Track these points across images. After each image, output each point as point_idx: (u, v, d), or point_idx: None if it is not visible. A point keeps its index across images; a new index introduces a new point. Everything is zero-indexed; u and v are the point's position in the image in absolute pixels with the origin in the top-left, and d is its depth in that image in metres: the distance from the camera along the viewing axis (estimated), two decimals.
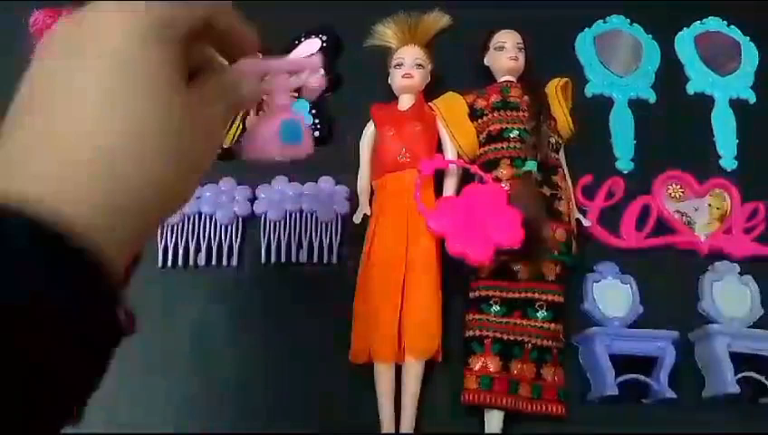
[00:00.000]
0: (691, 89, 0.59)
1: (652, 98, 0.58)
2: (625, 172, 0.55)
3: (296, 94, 0.53)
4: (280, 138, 0.33)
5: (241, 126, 0.52)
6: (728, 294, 0.50)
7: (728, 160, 0.56)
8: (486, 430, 0.45)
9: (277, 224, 0.50)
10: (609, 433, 0.46)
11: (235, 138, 0.52)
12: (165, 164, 0.23)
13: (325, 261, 0.50)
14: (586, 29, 0.60)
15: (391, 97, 0.53)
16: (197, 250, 0.50)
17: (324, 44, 0.54)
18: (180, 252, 0.50)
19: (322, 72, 0.34)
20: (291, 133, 0.33)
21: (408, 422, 0.45)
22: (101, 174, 0.22)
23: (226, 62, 0.30)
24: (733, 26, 0.62)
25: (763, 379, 0.47)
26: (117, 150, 0.22)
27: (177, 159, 0.24)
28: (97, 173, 0.22)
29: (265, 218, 0.50)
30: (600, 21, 0.60)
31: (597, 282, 0.50)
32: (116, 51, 0.23)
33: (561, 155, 0.52)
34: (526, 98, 0.51)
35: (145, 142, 0.23)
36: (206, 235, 0.50)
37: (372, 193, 0.51)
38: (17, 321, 0.18)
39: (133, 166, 0.22)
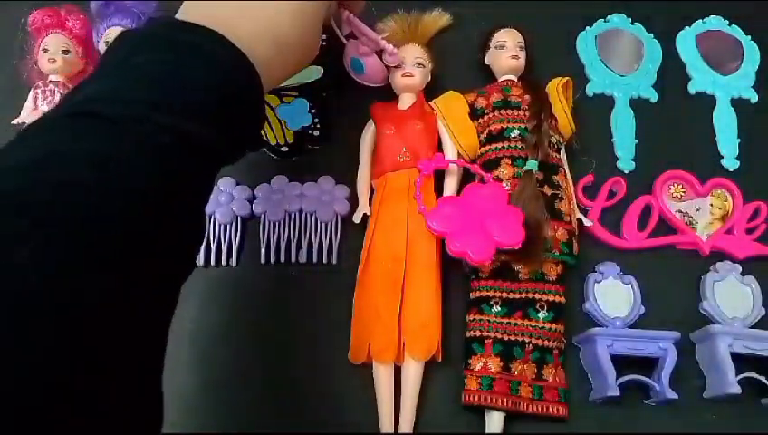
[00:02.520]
0: (692, 88, 0.59)
1: (653, 97, 0.58)
2: (626, 172, 0.55)
3: (296, 93, 0.53)
4: (349, 64, 0.54)
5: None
6: (730, 295, 0.50)
7: (730, 160, 0.56)
8: (487, 431, 0.45)
9: (276, 224, 0.50)
10: (610, 434, 0.46)
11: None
12: (307, 35, 0.40)
13: (325, 261, 0.50)
14: (587, 28, 0.60)
15: (392, 96, 0.53)
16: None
17: (324, 43, 0.54)
18: None
19: (397, 54, 0.51)
20: (356, 66, 0.53)
21: (407, 423, 0.44)
22: (271, 29, 0.37)
23: None
24: (734, 25, 0.61)
25: (764, 379, 0.46)
26: (284, 20, 0.38)
27: (313, 35, 0.41)
28: (278, 33, 0.37)
29: (265, 218, 0.50)
30: (602, 20, 0.60)
31: (598, 282, 0.50)
32: None
33: (563, 154, 0.52)
34: (527, 97, 0.51)
35: (303, 19, 0.39)
36: (206, 235, 0.50)
37: (372, 192, 0.51)
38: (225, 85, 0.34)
39: (290, 29, 0.38)
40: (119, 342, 0.26)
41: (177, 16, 0.36)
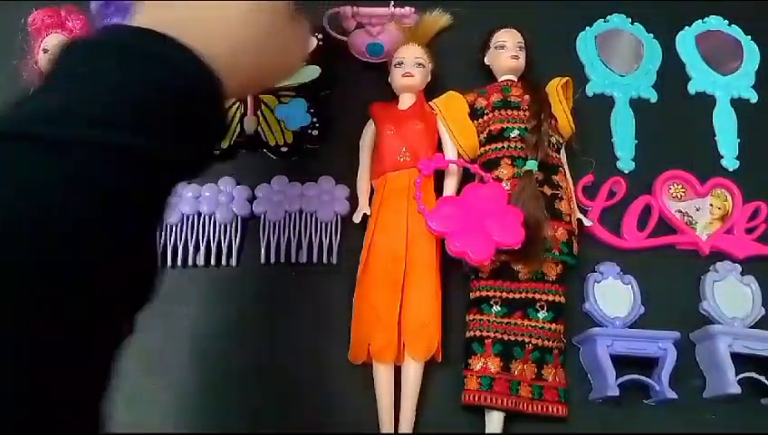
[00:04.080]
0: (692, 88, 0.59)
1: (653, 97, 0.58)
2: (626, 172, 0.55)
3: (293, 93, 0.53)
4: (367, 52, 0.56)
5: (238, 129, 0.52)
6: (729, 295, 0.50)
7: (730, 160, 0.56)
8: (487, 431, 0.45)
9: (277, 224, 0.50)
10: (609, 434, 0.46)
11: (233, 140, 0.52)
12: (272, 40, 0.37)
13: (325, 261, 0.50)
14: (587, 28, 0.60)
15: (392, 96, 0.53)
16: (197, 250, 0.50)
17: (320, 43, 0.54)
18: (180, 252, 0.50)
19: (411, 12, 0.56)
20: (374, 50, 0.55)
21: (407, 423, 0.44)
22: (228, 33, 0.34)
23: None
24: (734, 25, 0.61)
25: (764, 379, 0.46)
26: (241, 23, 0.35)
27: (281, 40, 0.38)
28: (233, 35, 0.35)
29: (265, 218, 0.50)
30: (601, 20, 0.60)
31: (598, 282, 0.50)
32: None
33: (563, 154, 0.52)
34: (527, 97, 0.51)
35: (262, 23, 0.36)
36: (206, 234, 0.50)
37: (372, 192, 0.51)
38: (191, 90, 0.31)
39: (247, 32, 0.35)
40: (63, 371, 0.26)
41: (131, 23, 0.33)
